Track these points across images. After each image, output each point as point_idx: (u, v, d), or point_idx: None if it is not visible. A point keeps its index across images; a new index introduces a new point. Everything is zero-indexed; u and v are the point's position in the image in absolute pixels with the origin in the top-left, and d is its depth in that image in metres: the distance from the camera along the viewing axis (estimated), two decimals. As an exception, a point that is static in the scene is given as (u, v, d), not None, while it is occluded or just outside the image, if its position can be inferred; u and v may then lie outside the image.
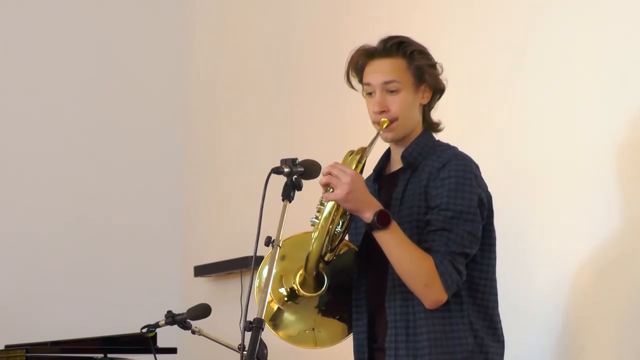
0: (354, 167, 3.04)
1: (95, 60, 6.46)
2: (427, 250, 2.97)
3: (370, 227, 2.97)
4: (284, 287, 3.13)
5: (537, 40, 3.90)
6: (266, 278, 2.88)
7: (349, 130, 4.94)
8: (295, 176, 2.97)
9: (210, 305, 4.29)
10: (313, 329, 3.16)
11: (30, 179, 6.25)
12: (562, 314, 3.69)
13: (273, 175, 2.95)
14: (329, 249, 3.08)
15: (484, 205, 3.04)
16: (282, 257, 3.14)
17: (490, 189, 3.12)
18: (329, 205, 2.98)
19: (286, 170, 2.97)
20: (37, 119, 6.30)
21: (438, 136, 3.21)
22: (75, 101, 6.39)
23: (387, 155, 3.24)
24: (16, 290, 6.11)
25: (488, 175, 3.15)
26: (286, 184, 2.98)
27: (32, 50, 6.32)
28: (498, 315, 3.10)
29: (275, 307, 3.13)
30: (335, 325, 3.20)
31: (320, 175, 3.01)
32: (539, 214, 3.83)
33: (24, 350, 4.76)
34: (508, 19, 4.06)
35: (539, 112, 3.86)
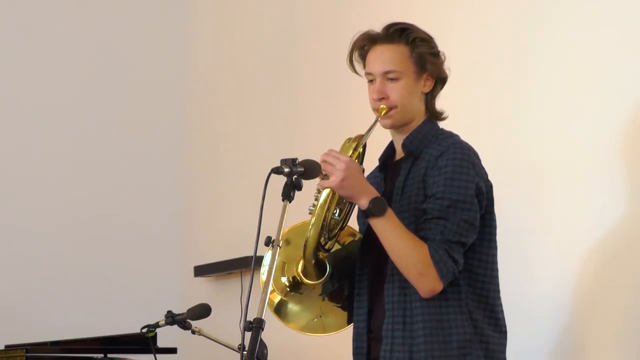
0: (350, 154, 3.04)
1: (95, 59, 6.46)
2: (423, 239, 2.96)
3: (366, 214, 2.97)
4: (285, 276, 3.14)
5: (540, 35, 3.91)
6: (266, 279, 2.88)
7: (349, 130, 4.93)
8: (295, 176, 2.97)
9: (210, 305, 4.29)
10: (320, 316, 3.17)
11: (30, 178, 6.25)
12: (563, 311, 3.69)
13: (273, 175, 2.95)
14: (328, 236, 3.08)
15: (482, 194, 3.04)
16: (287, 243, 3.15)
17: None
18: (325, 192, 2.99)
19: (286, 170, 2.97)
20: (36, 118, 6.30)
21: (443, 125, 3.20)
22: (75, 101, 6.39)
23: (392, 144, 3.24)
24: (16, 290, 6.11)
25: (489, 169, 3.14)
26: (286, 184, 2.98)
27: (32, 49, 6.32)
28: (500, 305, 3.09)
29: (278, 297, 3.14)
30: (340, 311, 3.21)
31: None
32: (539, 209, 3.83)
33: (24, 350, 4.76)
34: (512, 14, 4.06)
35: (541, 106, 3.87)
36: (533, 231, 3.84)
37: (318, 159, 3.04)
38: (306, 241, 3.05)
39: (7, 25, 6.31)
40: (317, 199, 3.01)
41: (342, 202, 3.07)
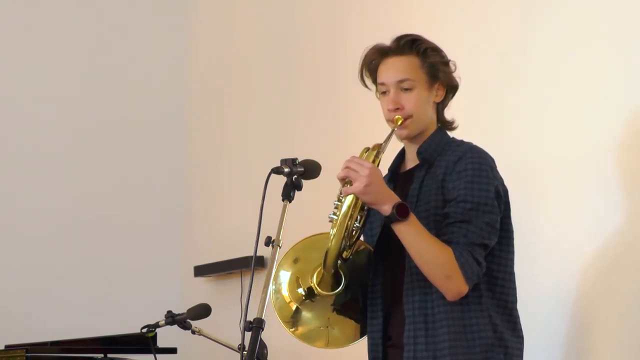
0: (371, 161, 3.04)
1: (95, 59, 6.46)
2: (447, 242, 2.97)
3: (390, 220, 2.96)
4: (301, 287, 3.13)
5: (540, 36, 3.91)
6: (266, 278, 2.88)
7: (349, 130, 4.94)
8: (295, 176, 2.98)
9: (210, 305, 4.29)
10: (327, 327, 3.16)
11: (30, 178, 6.25)
12: (564, 314, 3.68)
13: (273, 175, 2.95)
14: (347, 245, 3.07)
15: (501, 198, 3.05)
16: (296, 260, 3.14)
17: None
18: (348, 199, 2.98)
19: (286, 170, 2.98)
20: (36, 118, 6.30)
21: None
22: (75, 100, 6.39)
23: (401, 154, 3.25)
24: (16, 290, 6.11)
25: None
26: (286, 184, 2.99)
27: (31, 49, 6.33)
28: (517, 310, 3.10)
29: (294, 306, 3.13)
30: (348, 325, 3.19)
31: (339, 170, 2.99)
32: (540, 211, 3.83)
33: (24, 350, 4.76)
34: (511, 16, 4.06)
35: (540, 108, 3.87)
36: (533, 232, 3.83)
37: (318, 159, 3.04)
38: (328, 250, 3.04)
39: (7, 24, 6.31)
40: (337, 207, 3.01)
41: (363, 210, 3.06)
